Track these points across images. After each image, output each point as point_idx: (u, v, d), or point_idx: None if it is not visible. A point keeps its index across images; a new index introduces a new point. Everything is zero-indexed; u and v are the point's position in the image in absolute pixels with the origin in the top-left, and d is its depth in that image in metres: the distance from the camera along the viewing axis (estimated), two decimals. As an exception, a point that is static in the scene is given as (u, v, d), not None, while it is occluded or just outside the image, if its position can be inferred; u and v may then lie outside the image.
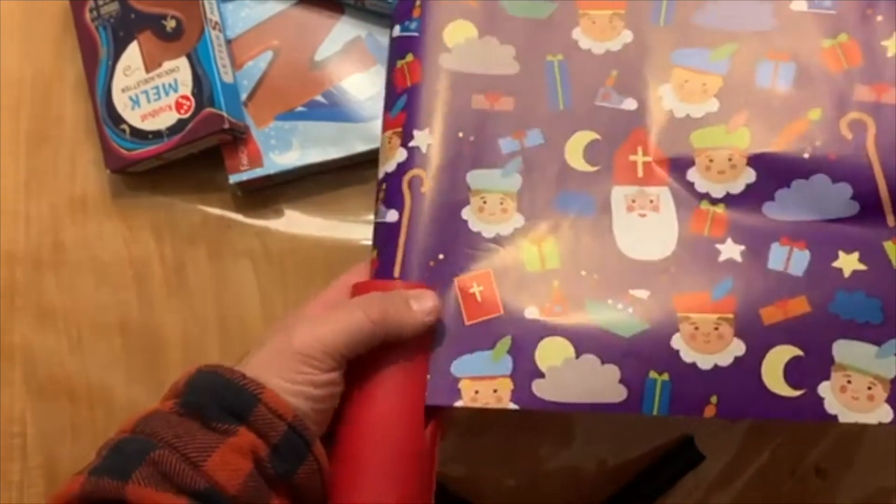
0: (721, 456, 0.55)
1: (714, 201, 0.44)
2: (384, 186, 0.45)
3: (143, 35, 0.57)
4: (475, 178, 0.45)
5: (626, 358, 0.41)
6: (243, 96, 0.58)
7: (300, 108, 0.57)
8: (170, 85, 0.56)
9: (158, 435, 0.37)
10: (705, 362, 0.41)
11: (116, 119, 0.57)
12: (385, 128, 0.47)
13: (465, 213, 0.45)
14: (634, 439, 0.56)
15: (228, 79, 0.57)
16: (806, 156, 0.43)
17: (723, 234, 0.43)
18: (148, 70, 0.57)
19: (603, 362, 0.41)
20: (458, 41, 0.47)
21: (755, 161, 0.43)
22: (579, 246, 0.44)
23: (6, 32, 0.62)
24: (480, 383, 0.41)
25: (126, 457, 0.36)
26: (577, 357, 0.41)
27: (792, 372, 0.40)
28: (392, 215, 0.44)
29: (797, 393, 0.40)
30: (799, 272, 0.42)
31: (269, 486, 0.37)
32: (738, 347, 0.41)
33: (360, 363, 0.41)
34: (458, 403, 0.41)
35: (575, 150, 0.46)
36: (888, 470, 0.55)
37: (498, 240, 0.44)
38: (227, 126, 0.55)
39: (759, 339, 0.41)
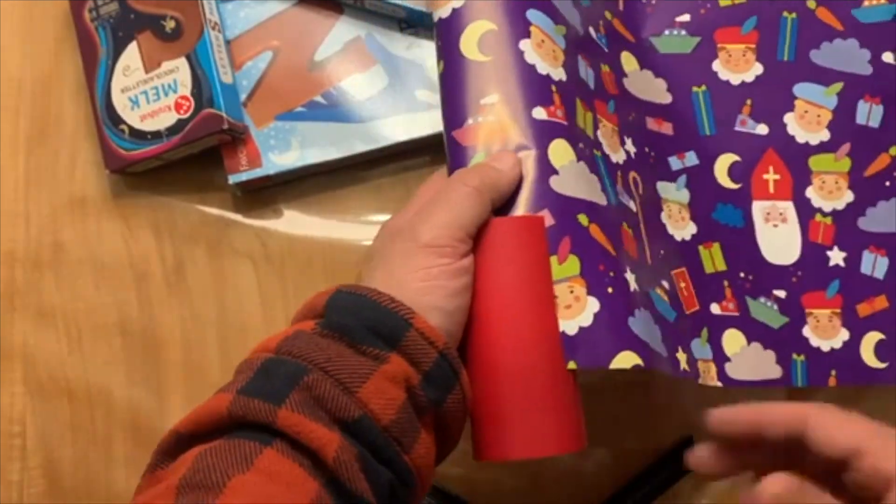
0: (721, 456, 0.55)
1: (824, 214, 0.53)
2: (619, 174, 0.50)
3: (143, 35, 0.57)
4: (661, 188, 0.53)
5: (778, 343, 0.51)
6: (243, 96, 0.58)
7: (300, 109, 0.57)
8: (169, 85, 0.56)
9: (308, 357, 0.35)
10: (825, 346, 0.52)
11: (116, 119, 0.58)
12: (599, 111, 0.50)
13: (663, 218, 0.52)
14: (634, 439, 0.56)
15: (228, 79, 0.57)
16: (887, 183, 0.53)
17: (831, 242, 0.53)
18: (147, 70, 0.57)
19: (765, 348, 0.51)
20: (630, 69, 0.54)
21: (853, 184, 0.53)
22: (736, 252, 0.52)
23: (6, 32, 0.62)
24: (700, 365, 0.49)
25: (277, 379, 0.34)
26: (748, 344, 0.51)
27: (880, 351, 0.52)
28: (632, 205, 0.51)
29: (884, 365, 0.52)
30: (880, 275, 0.53)
31: (418, 416, 0.36)
32: (844, 334, 0.52)
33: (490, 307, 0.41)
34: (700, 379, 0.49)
35: (722, 170, 0.54)
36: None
37: (685, 243, 0.52)
38: (226, 126, 0.55)
39: (857, 328, 0.52)
